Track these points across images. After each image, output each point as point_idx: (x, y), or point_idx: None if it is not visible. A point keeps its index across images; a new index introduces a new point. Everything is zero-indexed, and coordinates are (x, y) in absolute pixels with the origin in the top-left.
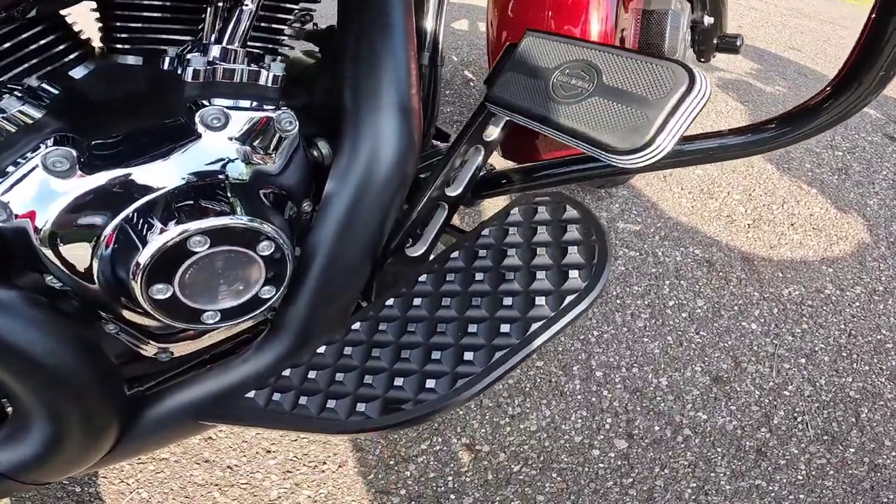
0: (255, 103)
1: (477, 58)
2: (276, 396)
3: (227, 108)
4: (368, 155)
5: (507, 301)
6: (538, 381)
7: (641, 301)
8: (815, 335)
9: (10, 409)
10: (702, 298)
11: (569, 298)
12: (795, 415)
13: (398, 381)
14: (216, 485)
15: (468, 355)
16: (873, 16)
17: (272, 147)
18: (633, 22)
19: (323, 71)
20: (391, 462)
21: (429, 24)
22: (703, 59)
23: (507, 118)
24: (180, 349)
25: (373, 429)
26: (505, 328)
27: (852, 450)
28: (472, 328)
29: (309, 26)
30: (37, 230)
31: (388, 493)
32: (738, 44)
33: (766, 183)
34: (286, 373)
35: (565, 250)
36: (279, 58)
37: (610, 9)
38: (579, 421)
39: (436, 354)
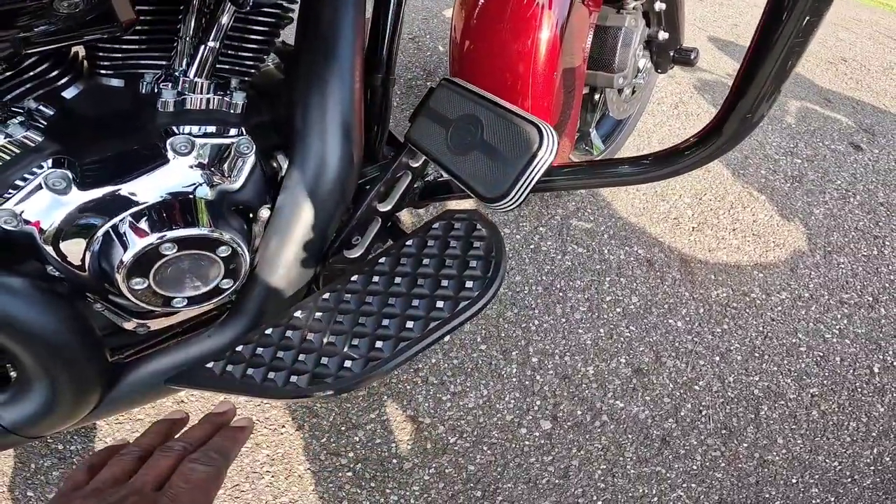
0: (218, 129)
1: None
2: (230, 367)
3: (193, 135)
4: (314, 170)
5: (415, 302)
6: (480, 362)
7: (582, 295)
8: (732, 335)
9: (12, 374)
10: (637, 296)
11: (462, 304)
12: (700, 408)
13: (324, 360)
14: None
15: (379, 344)
16: (740, 73)
17: (231, 168)
18: (589, 36)
19: (285, 87)
20: (342, 428)
21: (384, 46)
22: (659, 70)
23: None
24: (156, 324)
25: (301, 396)
26: (409, 324)
27: (745, 444)
28: (386, 322)
29: (279, 41)
30: (41, 232)
31: (337, 455)
32: (693, 57)
33: (718, 188)
34: (239, 348)
35: (467, 263)
36: (243, 81)
37: (560, 18)
38: (512, 401)
39: (355, 341)
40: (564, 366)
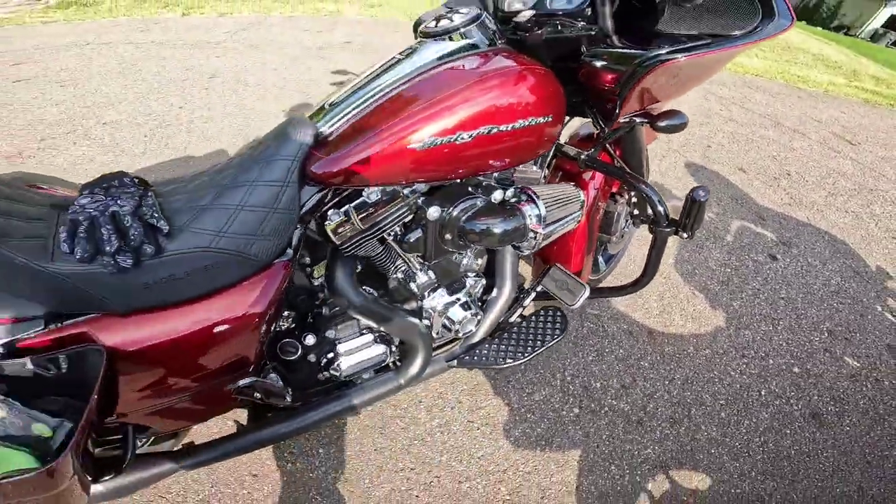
0: None
1: None
2: (465, 357)
3: None
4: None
5: (530, 340)
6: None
7: (591, 348)
8: (675, 371)
9: (388, 362)
10: (622, 349)
11: (549, 339)
12: (657, 408)
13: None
14: (391, 449)
15: (519, 355)
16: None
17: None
18: (600, 215)
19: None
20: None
21: None
22: (636, 226)
23: None
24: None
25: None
26: (529, 347)
27: (681, 427)
28: (516, 349)
29: None
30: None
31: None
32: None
33: (674, 290)
34: (472, 351)
35: (554, 324)
36: None
37: (590, 207)
38: (540, 398)
39: (507, 360)
40: (582, 381)
